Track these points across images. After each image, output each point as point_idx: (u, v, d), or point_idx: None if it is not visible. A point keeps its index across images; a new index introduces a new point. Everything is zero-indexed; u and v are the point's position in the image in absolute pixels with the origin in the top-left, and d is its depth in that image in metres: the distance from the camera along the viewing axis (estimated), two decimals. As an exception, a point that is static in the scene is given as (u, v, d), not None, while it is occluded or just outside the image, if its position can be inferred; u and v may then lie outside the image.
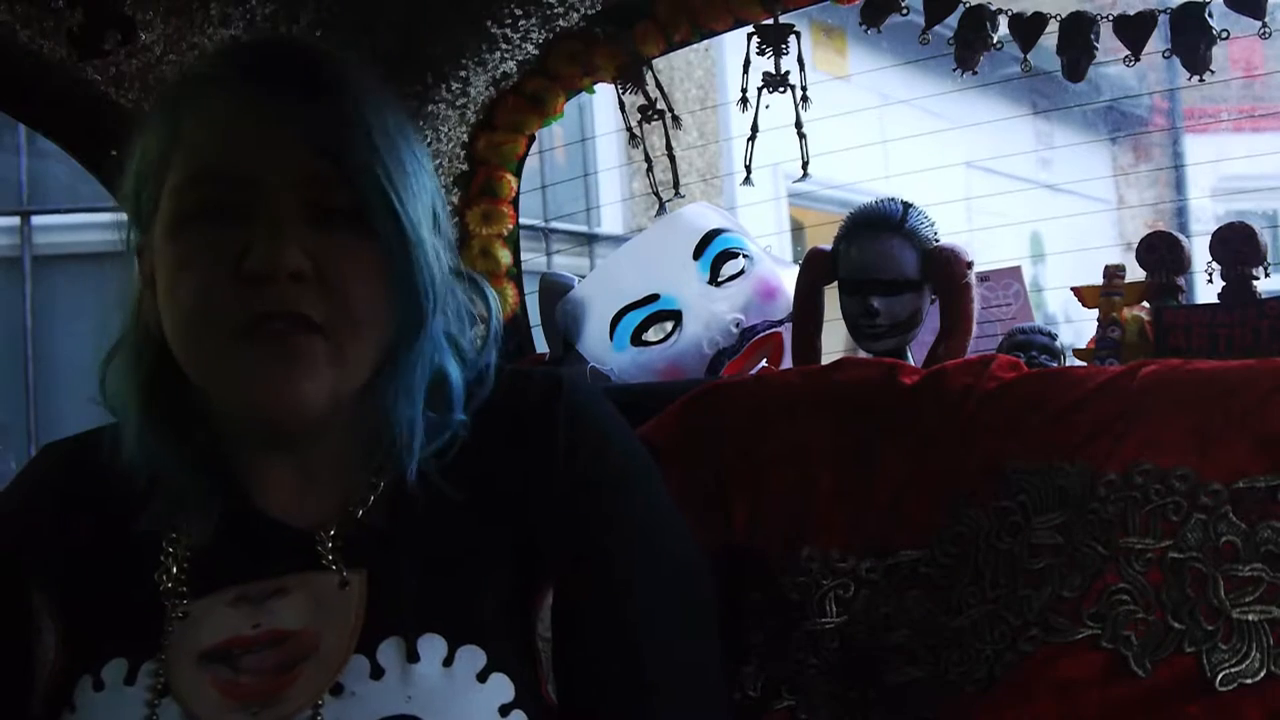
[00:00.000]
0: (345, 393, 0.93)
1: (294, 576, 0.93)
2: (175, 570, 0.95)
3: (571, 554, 0.96)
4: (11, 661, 0.97)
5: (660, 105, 1.84)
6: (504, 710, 0.90)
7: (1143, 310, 1.45)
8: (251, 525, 0.96)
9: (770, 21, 1.70)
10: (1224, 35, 1.44)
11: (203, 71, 0.98)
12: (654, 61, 1.84)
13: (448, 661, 0.90)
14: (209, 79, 0.95)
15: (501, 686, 0.90)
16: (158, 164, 0.94)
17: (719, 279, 1.79)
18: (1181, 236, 1.44)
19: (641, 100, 1.83)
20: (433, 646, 0.90)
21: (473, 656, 0.90)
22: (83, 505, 1.00)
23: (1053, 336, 1.53)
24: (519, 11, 1.74)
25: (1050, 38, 1.54)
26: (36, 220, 6.26)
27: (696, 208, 1.93)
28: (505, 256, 2.01)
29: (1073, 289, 1.53)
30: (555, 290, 1.93)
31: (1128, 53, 1.50)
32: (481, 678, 0.90)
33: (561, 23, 1.80)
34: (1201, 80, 1.47)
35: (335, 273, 0.90)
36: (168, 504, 0.97)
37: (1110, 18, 1.51)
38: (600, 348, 1.84)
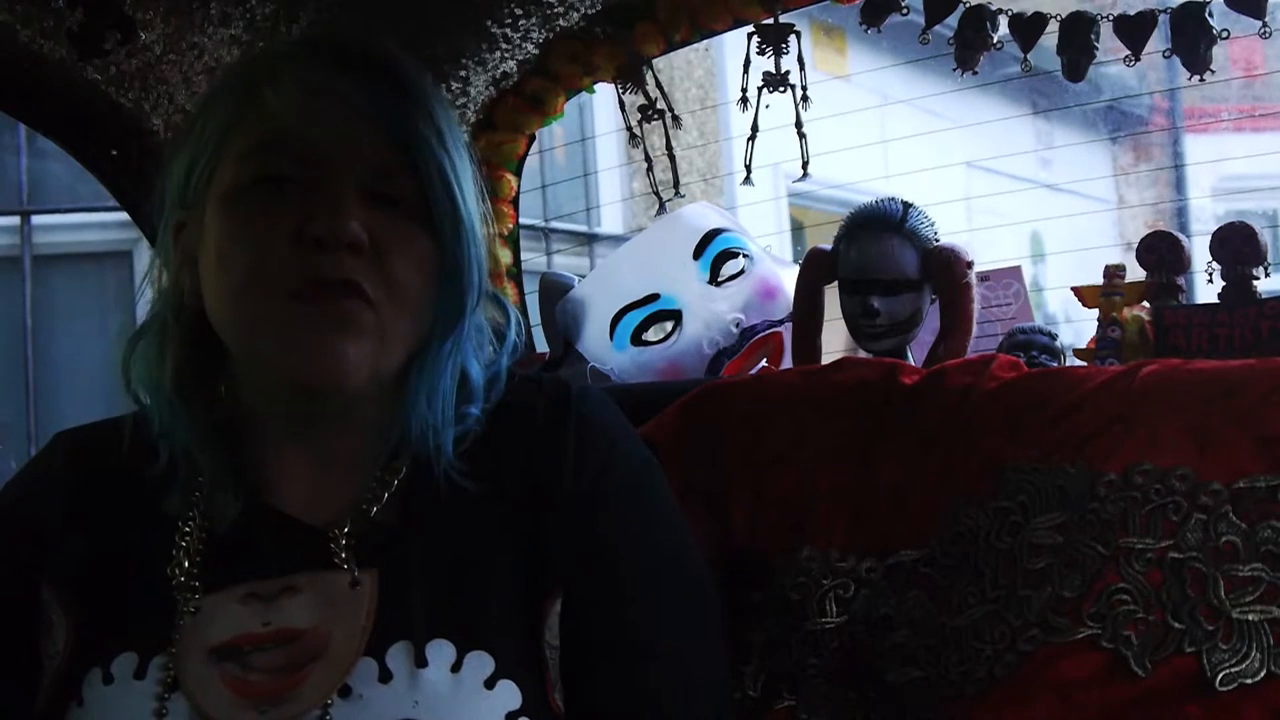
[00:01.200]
0: (382, 371, 0.94)
1: (305, 575, 0.93)
2: (188, 564, 0.95)
3: (578, 560, 0.96)
4: (20, 654, 0.97)
5: (660, 105, 1.84)
6: (511, 718, 0.89)
7: (1143, 310, 1.45)
8: (265, 521, 0.96)
9: (770, 21, 1.70)
10: (1224, 35, 1.44)
11: (283, 51, 1.00)
12: (654, 61, 1.84)
13: (455, 667, 0.90)
14: (291, 57, 0.97)
15: (509, 693, 0.90)
16: (222, 132, 0.95)
17: (719, 279, 1.79)
18: (1181, 236, 1.44)
19: (641, 100, 1.83)
20: (441, 652, 0.90)
21: (481, 663, 0.90)
22: (95, 497, 1.00)
23: (1053, 336, 1.53)
24: (519, 11, 1.74)
25: (1050, 38, 1.54)
26: (36, 220, 6.26)
27: (696, 207, 1.93)
28: (505, 256, 2.01)
29: (1073, 289, 1.53)
30: (555, 290, 1.93)
31: (1128, 53, 1.50)
32: (489, 684, 0.90)
33: (561, 23, 1.80)
34: (1201, 80, 1.47)
35: (387, 251, 0.92)
36: (193, 486, 0.97)
37: (1110, 18, 1.51)
38: (600, 347, 1.84)
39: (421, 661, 0.89)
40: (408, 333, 0.94)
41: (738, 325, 1.76)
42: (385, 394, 0.96)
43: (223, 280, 0.93)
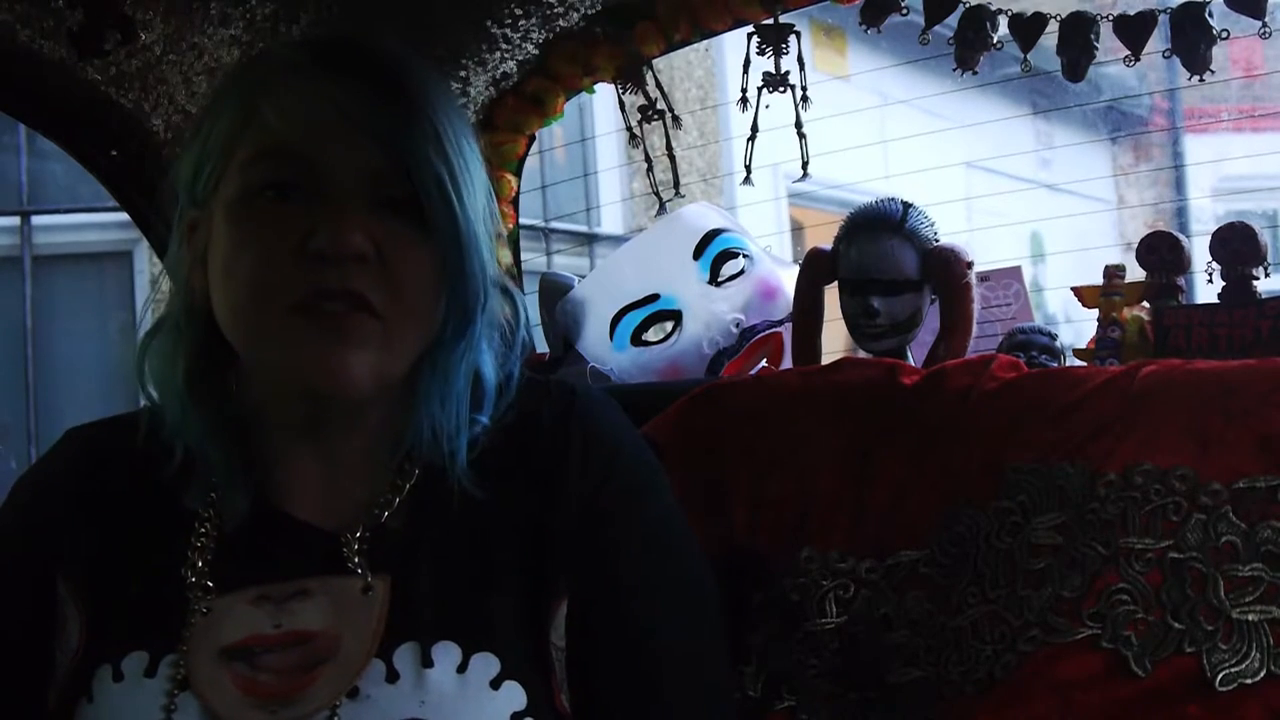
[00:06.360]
0: (389, 377, 0.94)
1: (316, 579, 0.94)
2: (200, 565, 0.95)
3: (583, 563, 0.96)
4: (35, 648, 0.97)
5: (660, 105, 1.84)
6: (516, 718, 0.90)
7: (1143, 310, 1.45)
8: (277, 524, 0.97)
9: (770, 21, 1.69)
10: (1224, 35, 1.44)
11: (283, 57, 0.98)
12: (654, 61, 1.84)
13: (461, 668, 0.90)
14: (289, 65, 0.96)
15: (514, 694, 0.90)
16: (227, 140, 0.95)
17: (719, 279, 1.79)
18: (1181, 236, 1.44)
19: (641, 100, 1.83)
20: (447, 653, 0.90)
21: (486, 664, 0.91)
22: (109, 493, 1.00)
23: (1053, 336, 1.53)
24: (519, 11, 1.74)
25: (1050, 38, 1.54)
26: (36, 220, 6.26)
27: (696, 208, 1.93)
28: (505, 256, 2.01)
29: (1073, 289, 1.53)
30: (555, 290, 1.93)
31: (1128, 53, 1.50)
32: (495, 685, 0.90)
33: (561, 23, 1.79)
34: (1201, 80, 1.47)
35: (393, 258, 0.92)
36: (209, 485, 0.97)
37: (1110, 18, 1.51)
38: (600, 348, 1.84)
39: (428, 662, 0.90)
40: (415, 337, 0.94)
41: (738, 325, 1.76)
42: (396, 397, 0.96)
43: (228, 291, 0.93)
